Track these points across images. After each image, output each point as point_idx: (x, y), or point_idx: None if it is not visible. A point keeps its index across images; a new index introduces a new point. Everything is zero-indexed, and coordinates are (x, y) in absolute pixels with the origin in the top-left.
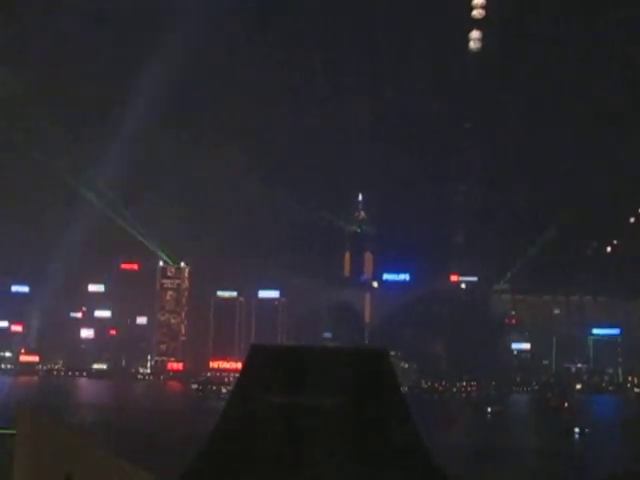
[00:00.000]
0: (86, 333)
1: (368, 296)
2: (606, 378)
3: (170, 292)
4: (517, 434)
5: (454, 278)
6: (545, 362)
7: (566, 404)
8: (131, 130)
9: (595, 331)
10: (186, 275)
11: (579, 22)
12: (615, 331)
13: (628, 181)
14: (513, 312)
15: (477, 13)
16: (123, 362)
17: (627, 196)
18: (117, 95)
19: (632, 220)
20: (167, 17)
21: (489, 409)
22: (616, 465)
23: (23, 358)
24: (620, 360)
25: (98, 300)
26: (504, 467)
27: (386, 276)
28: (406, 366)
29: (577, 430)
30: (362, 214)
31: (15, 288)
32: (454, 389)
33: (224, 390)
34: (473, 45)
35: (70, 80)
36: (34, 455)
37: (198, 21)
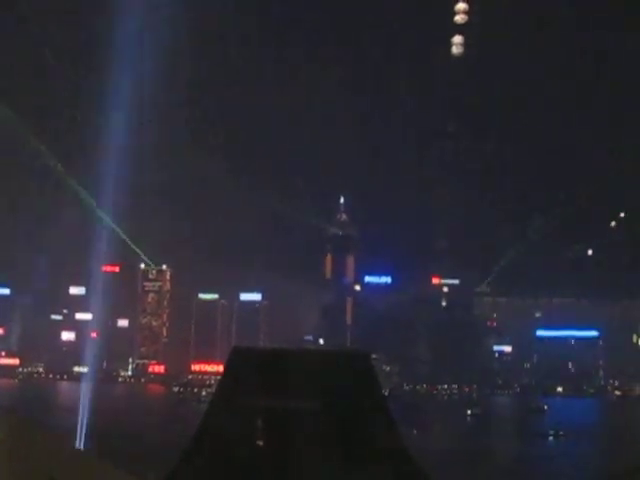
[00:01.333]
0: (67, 336)
1: (350, 299)
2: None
3: (151, 294)
4: (492, 436)
5: (436, 281)
6: (527, 365)
7: (545, 406)
8: (113, 132)
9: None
10: (168, 277)
11: (563, 25)
12: (594, 333)
13: (610, 185)
14: (495, 315)
15: (460, 18)
16: (104, 365)
17: (609, 200)
18: (95, 96)
19: (613, 224)
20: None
21: (468, 411)
22: (586, 467)
23: (3, 361)
24: (601, 363)
25: (79, 303)
26: (470, 469)
27: (368, 279)
28: (388, 369)
29: (551, 433)
30: (344, 216)
31: None
32: (435, 392)
33: (204, 393)
34: (456, 50)
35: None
36: (15, 458)
37: (180, 19)
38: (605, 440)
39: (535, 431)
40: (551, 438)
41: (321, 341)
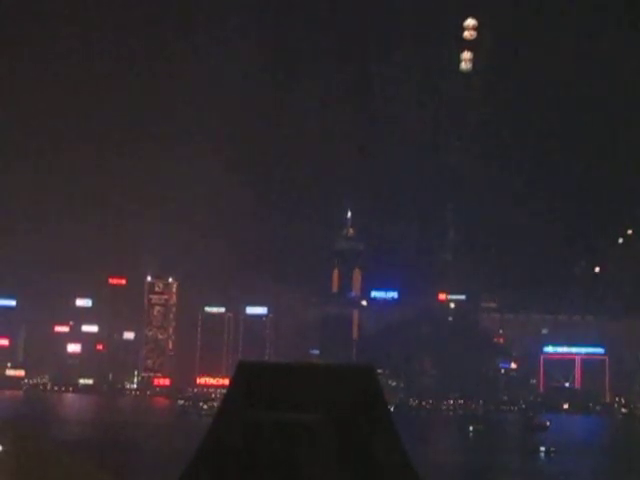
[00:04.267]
0: (73, 348)
1: (356, 313)
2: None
3: (158, 307)
4: (488, 452)
5: (442, 296)
6: (532, 381)
7: (548, 423)
8: (118, 143)
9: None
10: (174, 290)
11: (573, 38)
12: (600, 350)
13: (618, 201)
14: (501, 331)
15: (469, 34)
16: (110, 377)
17: (617, 216)
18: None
19: (620, 241)
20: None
21: (470, 427)
22: None
23: (9, 372)
24: (607, 380)
25: (85, 315)
26: None
27: (374, 293)
28: (394, 384)
29: (543, 449)
30: (351, 231)
31: (1, 302)
32: (441, 407)
33: (205, 406)
34: (464, 66)
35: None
36: (18, 470)
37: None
38: (595, 458)
39: (529, 447)
40: (542, 454)
41: (327, 355)
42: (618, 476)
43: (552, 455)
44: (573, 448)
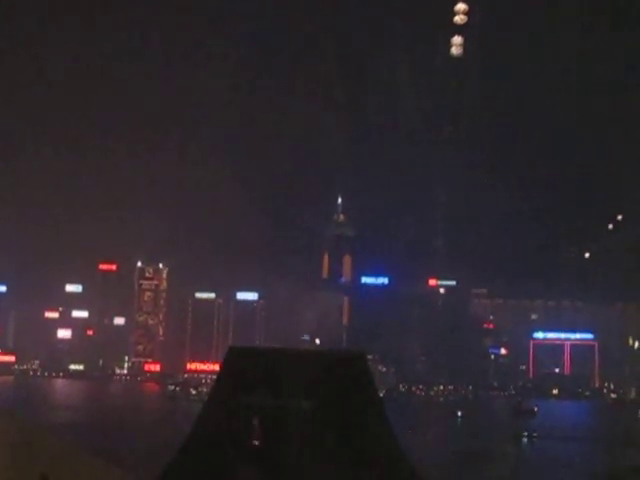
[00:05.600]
0: (63, 333)
1: (347, 299)
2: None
3: (148, 293)
4: (472, 436)
5: (433, 282)
6: (522, 367)
7: (535, 408)
8: (111, 132)
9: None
10: (164, 276)
11: (564, 25)
12: (589, 336)
13: (608, 187)
14: (491, 316)
15: (459, 19)
16: (100, 363)
17: (606, 203)
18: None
19: (610, 226)
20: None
21: (459, 413)
22: (543, 466)
23: None
24: (597, 365)
25: (76, 300)
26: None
27: (365, 279)
28: (384, 369)
29: (525, 434)
30: (341, 217)
31: None
32: (431, 393)
33: (194, 392)
34: (455, 51)
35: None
36: (9, 455)
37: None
38: (577, 442)
39: (513, 432)
40: (524, 440)
41: (317, 341)
42: (594, 459)
43: (534, 440)
44: (557, 433)
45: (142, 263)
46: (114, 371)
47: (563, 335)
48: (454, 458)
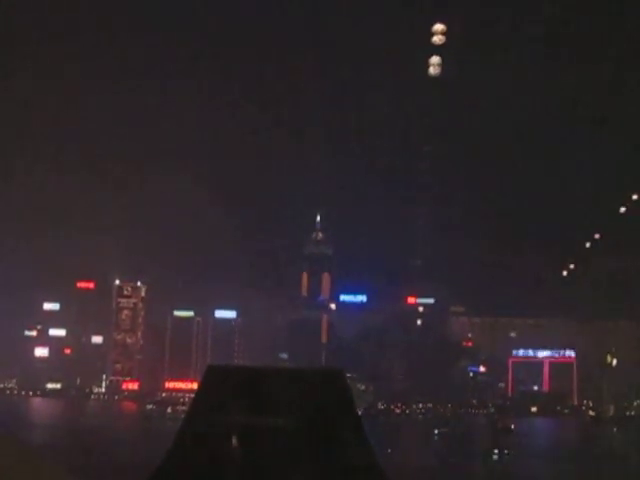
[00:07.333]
0: (41, 352)
1: (325, 317)
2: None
3: (126, 311)
4: (446, 453)
5: (411, 300)
6: (501, 384)
7: (512, 426)
8: (86, 148)
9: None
10: (142, 294)
11: (545, 43)
12: (568, 353)
13: (585, 205)
14: (470, 334)
15: (437, 39)
16: (78, 381)
17: (584, 220)
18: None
19: (588, 245)
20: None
21: (436, 431)
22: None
23: None
24: (575, 383)
25: (53, 319)
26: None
27: (343, 297)
28: (363, 387)
29: (496, 451)
30: (320, 235)
31: None
32: (407, 411)
33: (169, 410)
34: (433, 71)
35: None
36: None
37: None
38: (547, 459)
39: (483, 449)
40: (495, 457)
41: (296, 359)
42: (559, 475)
43: (506, 457)
44: (530, 450)
45: (120, 281)
46: (92, 390)
47: (542, 353)
48: (422, 475)
